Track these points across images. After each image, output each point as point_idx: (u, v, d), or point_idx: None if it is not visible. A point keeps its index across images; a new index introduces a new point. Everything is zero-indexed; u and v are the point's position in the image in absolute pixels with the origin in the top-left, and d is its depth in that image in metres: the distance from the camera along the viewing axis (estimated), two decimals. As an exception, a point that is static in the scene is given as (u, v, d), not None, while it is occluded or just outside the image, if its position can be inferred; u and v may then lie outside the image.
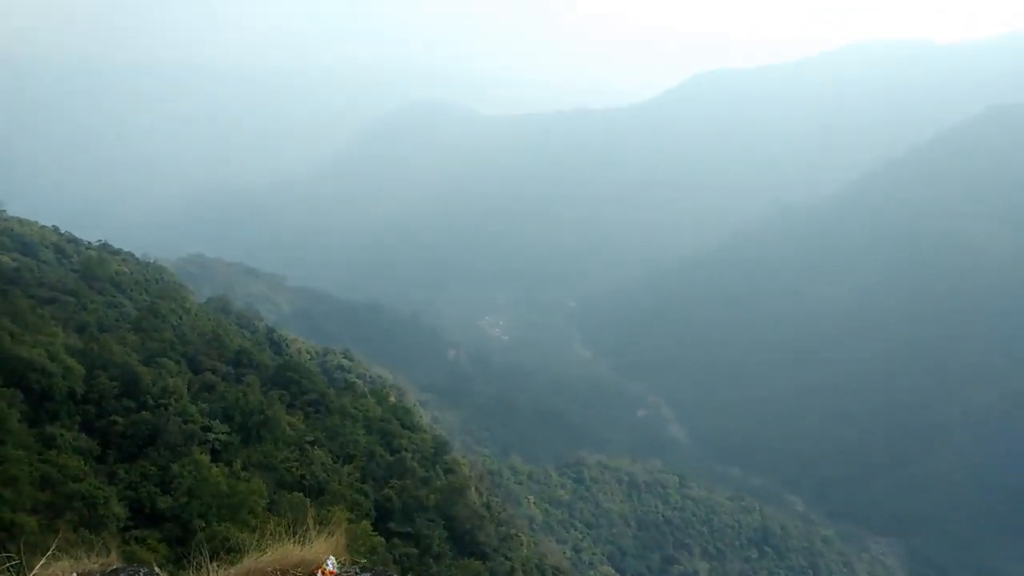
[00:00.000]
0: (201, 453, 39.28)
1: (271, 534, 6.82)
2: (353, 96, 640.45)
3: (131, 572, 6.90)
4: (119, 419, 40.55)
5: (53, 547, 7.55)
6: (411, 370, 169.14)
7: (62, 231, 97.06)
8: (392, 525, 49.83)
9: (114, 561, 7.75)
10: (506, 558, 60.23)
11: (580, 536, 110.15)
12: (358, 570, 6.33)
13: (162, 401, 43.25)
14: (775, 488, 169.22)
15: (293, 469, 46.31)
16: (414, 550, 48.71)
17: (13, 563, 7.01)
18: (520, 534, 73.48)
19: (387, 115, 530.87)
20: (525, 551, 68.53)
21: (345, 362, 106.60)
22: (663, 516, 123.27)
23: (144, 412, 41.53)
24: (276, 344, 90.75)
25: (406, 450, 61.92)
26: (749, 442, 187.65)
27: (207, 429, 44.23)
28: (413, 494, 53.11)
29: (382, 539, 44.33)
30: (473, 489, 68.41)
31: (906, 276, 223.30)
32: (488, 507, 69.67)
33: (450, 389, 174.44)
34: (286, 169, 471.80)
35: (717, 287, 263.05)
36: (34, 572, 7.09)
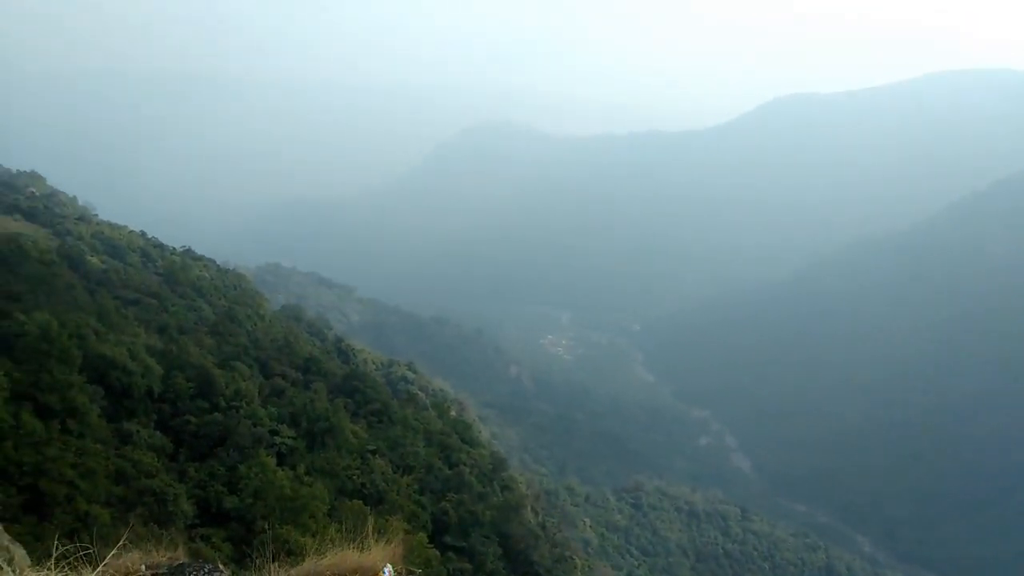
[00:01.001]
0: (268, 456, 40.35)
1: (331, 539, 6.99)
2: (428, 114, 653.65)
3: (197, 568, 7.14)
4: (192, 419, 42.11)
5: (124, 539, 7.91)
6: (473, 385, 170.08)
7: (148, 236, 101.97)
8: (447, 539, 50.01)
9: (181, 556, 8.07)
10: (560, 580, 59.61)
11: (636, 563, 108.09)
12: (412, 580, 6.35)
13: (234, 403, 44.71)
14: (842, 527, 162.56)
15: (354, 477, 47.08)
16: (468, 565, 48.74)
17: (86, 552, 7.34)
18: (575, 557, 72.65)
19: (460, 133, 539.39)
20: (579, 574, 67.67)
21: (409, 374, 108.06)
22: (723, 549, 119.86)
23: (216, 413, 43.02)
24: (344, 353, 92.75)
25: (464, 464, 62.16)
26: (816, 478, 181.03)
27: (275, 433, 45.45)
28: (469, 509, 53.21)
29: (437, 552, 44.52)
30: (529, 508, 68.09)
31: (990, 316, 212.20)
32: (543, 527, 69.18)
33: (510, 406, 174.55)
34: (362, 184, 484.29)
35: (789, 317, 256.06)
36: (105, 562, 7.40)
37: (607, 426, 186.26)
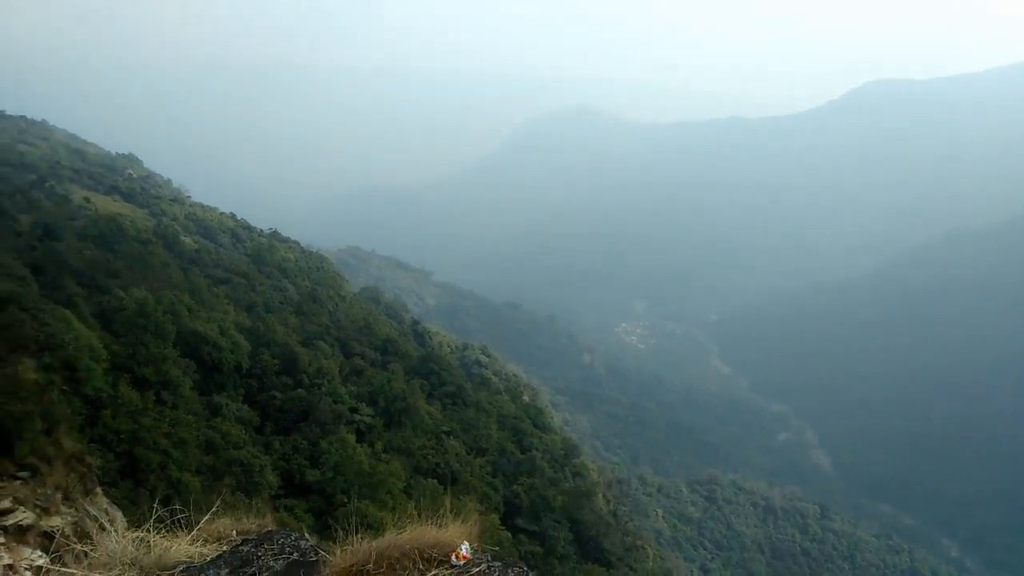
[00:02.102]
0: (348, 432, 41.71)
1: (407, 515, 7.15)
2: (507, 100, 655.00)
3: (284, 535, 7.41)
4: (278, 394, 43.89)
5: (217, 504, 8.33)
6: (545, 371, 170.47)
7: (238, 218, 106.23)
8: (519, 521, 50.55)
9: (269, 523, 8.46)
10: (631, 568, 59.43)
11: (709, 556, 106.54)
12: (490, 558, 6.53)
13: (316, 381, 46.35)
14: (927, 530, 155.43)
15: (429, 456, 48.12)
16: (539, 549, 49.16)
17: (180, 517, 7.70)
18: (646, 546, 72.18)
19: (538, 120, 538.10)
20: (651, 564, 67.24)
21: (483, 358, 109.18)
22: (800, 547, 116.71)
23: (300, 390, 44.70)
24: (420, 336, 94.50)
25: (536, 449, 62.60)
26: (900, 478, 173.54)
27: (354, 410, 46.89)
28: (541, 493, 53.61)
29: (508, 534, 45.08)
30: (601, 495, 68.05)
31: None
32: (615, 515, 69.02)
33: (583, 393, 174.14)
34: (441, 169, 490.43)
35: (874, 312, 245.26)
36: (199, 526, 7.74)
37: (681, 417, 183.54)
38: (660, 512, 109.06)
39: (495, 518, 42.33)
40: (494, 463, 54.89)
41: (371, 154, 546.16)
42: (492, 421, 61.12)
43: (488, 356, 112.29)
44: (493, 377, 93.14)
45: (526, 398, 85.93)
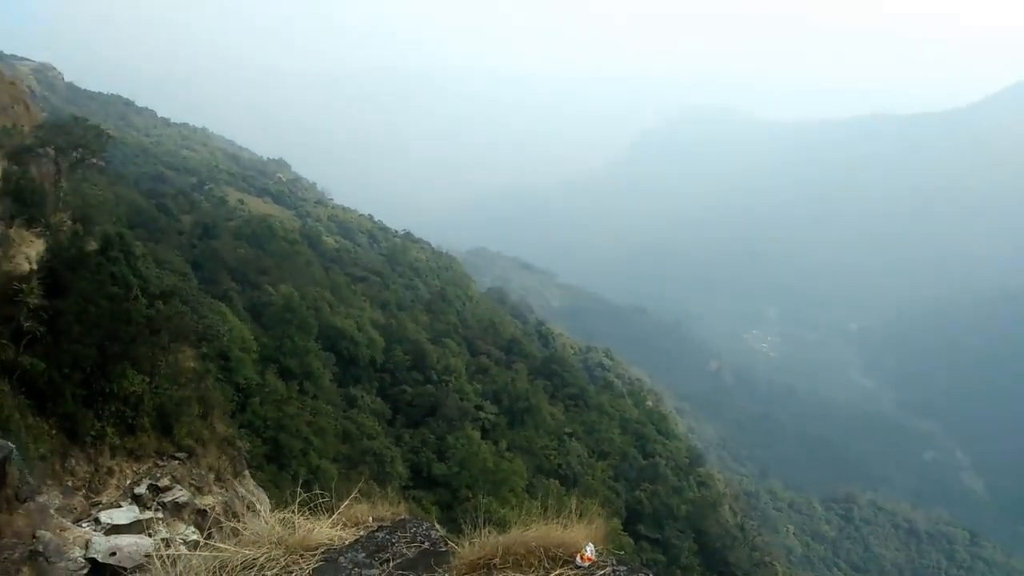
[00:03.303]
0: (473, 429, 42.83)
1: (529, 514, 7.28)
2: (638, 101, 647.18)
3: (416, 524, 7.73)
4: (408, 389, 45.72)
5: (356, 491, 8.86)
6: (670, 377, 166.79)
7: (375, 219, 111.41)
8: (641, 528, 49.92)
9: (403, 512, 8.90)
10: (757, 585, 57.28)
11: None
12: (615, 562, 6.53)
13: (444, 378, 47.89)
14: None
15: (551, 457, 48.48)
16: (662, 557, 48.35)
17: (320, 501, 8.17)
18: (775, 563, 69.21)
19: (667, 121, 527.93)
20: (779, 582, 64.48)
21: (606, 361, 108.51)
22: (946, 574, 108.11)
23: (429, 385, 46.37)
24: (544, 336, 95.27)
25: (660, 456, 61.53)
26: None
27: (479, 408, 48.04)
28: (664, 501, 52.67)
29: (630, 540, 44.65)
30: (727, 507, 65.94)
31: None
32: (742, 528, 66.65)
33: (709, 401, 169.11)
34: (569, 171, 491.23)
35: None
36: (339, 511, 8.16)
37: (816, 430, 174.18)
38: (791, 528, 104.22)
39: (617, 523, 42.02)
40: (616, 467, 54.49)
41: (501, 156, 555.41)
42: (615, 425, 60.68)
43: (611, 359, 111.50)
44: (616, 380, 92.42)
45: (650, 403, 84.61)
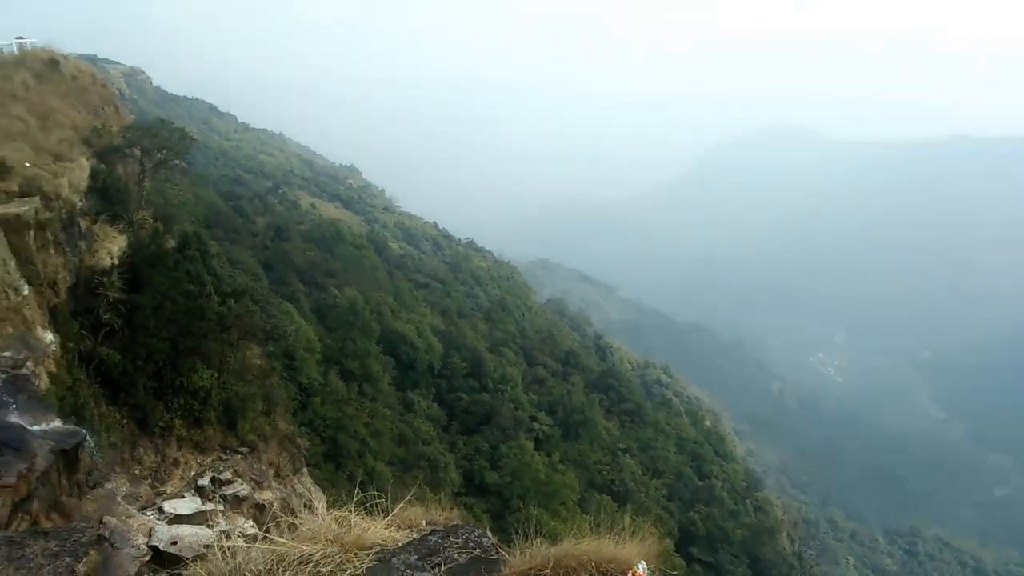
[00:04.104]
0: (527, 439, 42.82)
1: (580, 528, 7.24)
2: (703, 119, 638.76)
3: (468, 530, 7.78)
4: (464, 396, 46.03)
5: (411, 494, 8.97)
6: (730, 397, 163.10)
7: (439, 227, 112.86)
8: (694, 550, 48.93)
9: (455, 518, 8.97)
10: (813, 617, 55.38)
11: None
12: (666, 581, 6.50)
13: (500, 386, 48.06)
14: None
15: (604, 472, 48.03)
16: (713, 582, 47.32)
17: (375, 502, 8.29)
18: (832, 596, 66.85)
19: (734, 139, 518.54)
20: (836, 616, 62.20)
21: (664, 377, 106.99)
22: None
23: (485, 394, 46.60)
24: (601, 350, 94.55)
25: (716, 478, 60.23)
26: None
27: (534, 419, 48.01)
28: (719, 524, 51.50)
29: (682, 562, 43.81)
30: (785, 534, 64.03)
31: None
32: (799, 557, 64.59)
33: (770, 424, 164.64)
34: (633, 186, 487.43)
35: None
36: (394, 512, 8.26)
37: (880, 460, 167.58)
38: (851, 560, 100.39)
39: (669, 543, 41.27)
40: (670, 487, 53.61)
41: (568, 170, 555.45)
42: (670, 443, 59.74)
43: (670, 376, 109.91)
44: (674, 398, 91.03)
45: (707, 423, 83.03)
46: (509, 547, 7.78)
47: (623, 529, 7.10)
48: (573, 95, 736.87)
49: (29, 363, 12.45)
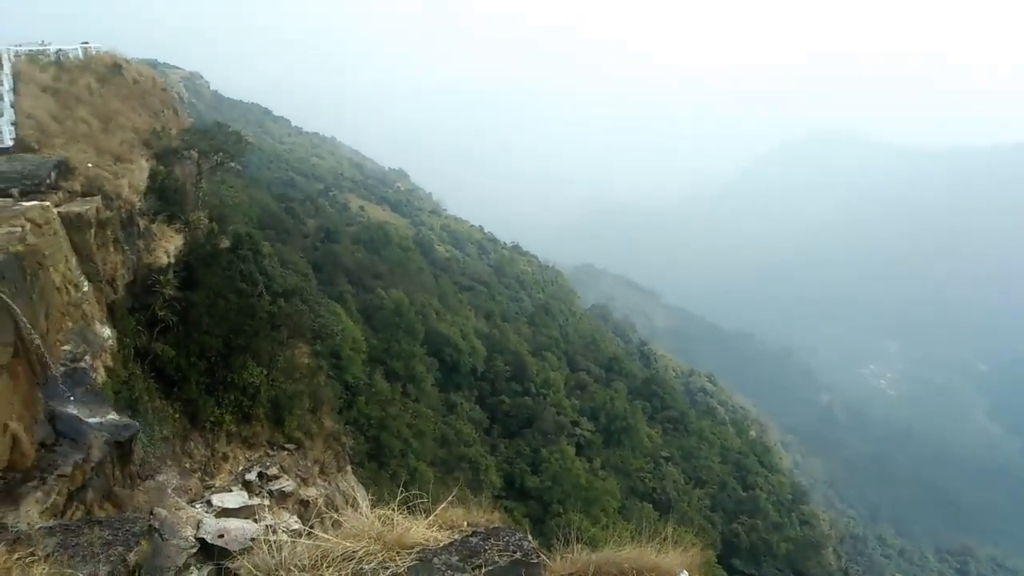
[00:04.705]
0: (568, 444, 42.67)
1: (620, 536, 7.19)
2: (756, 120, 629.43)
3: (509, 533, 7.79)
4: (506, 399, 46.10)
5: (452, 495, 9.04)
6: (775, 407, 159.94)
7: (485, 231, 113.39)
8: (736, 562, 48.09)
9: (496, 520, 9.00)
10: (860, 636, 53.91)
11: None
12: (707, 592, 6.33)
13: (542, 391, 48.01)
14: None
15: (646, 480, 47.58)
16: (756, 595, 46.43)
17: (417, 502, 8.35)
18: (881, 615, 65.00)
19: (785, 141, 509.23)
20: (884, 635, 60.45)
21: (709, 386, 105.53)
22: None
23: (527, 397, 46.60)
24: (645, 357, 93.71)
25: (761, 489, 59.14)
26: None
27: (576, 424, 47.82)
28: (763, 536, 50.54)
29: (724, 573, 43.12)
30: (831, 549, 62.53)
31: None
32: (846, 573, 62.98)
33: (818, 436, 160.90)
34: (681, 191, 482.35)
35: None
36: (436, 512, 8.31)
37: (932, 475, 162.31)
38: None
39: (711, 554, 40.67)
40: (713, 497, 52.82)
41: (614, 173, 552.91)
42: (714, 453, 58.90)
43: (715, 385, 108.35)
44: (719, 407, 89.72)
45: (753, 433, 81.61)
46: (549, 552, 7.79)
47: (665, 538, 7.04)
48: (621, 97, 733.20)
49: (87, 357, 12.87)
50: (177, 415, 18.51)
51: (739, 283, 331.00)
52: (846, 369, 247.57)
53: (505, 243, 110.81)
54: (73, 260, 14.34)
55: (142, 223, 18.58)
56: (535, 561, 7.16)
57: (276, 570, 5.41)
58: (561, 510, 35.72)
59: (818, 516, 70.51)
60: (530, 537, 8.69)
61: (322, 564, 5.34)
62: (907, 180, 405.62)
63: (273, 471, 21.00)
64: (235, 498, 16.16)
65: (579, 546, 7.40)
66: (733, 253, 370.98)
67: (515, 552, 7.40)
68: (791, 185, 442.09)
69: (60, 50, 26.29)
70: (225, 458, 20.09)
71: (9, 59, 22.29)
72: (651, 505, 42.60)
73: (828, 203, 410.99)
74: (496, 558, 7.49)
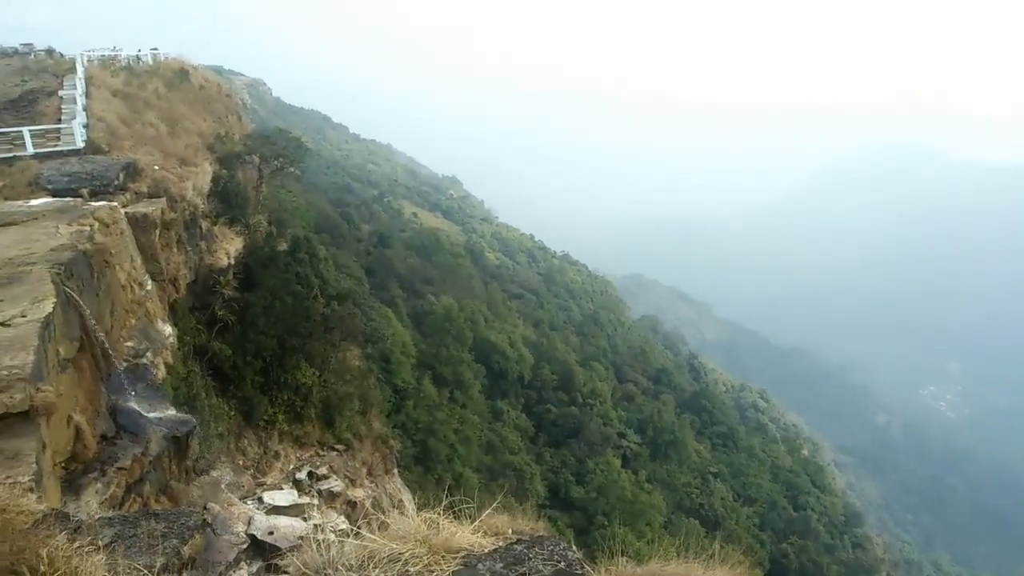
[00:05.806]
0: (614, 456, 42.28)
1: (665, 551, 7.10)
2: (813, 133, 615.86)
3: (554, 542, 7.76)
4: (552, 408, 45.95)
5: (497, 502, 9.07)
6: (829, 426, 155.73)
7: (535, 239, 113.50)
8: (784, 584, 46.95)
9: (541, 529, 8.99)
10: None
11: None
12: (755, 612, 6.23)
13: (589, 401, 47.72)
14: None
15: (693, 495, 46.81)
16: (805, 618, 45.20)
17: (463, 507, 8.38)
18: (937, 646, 62.59)
19: (848, 155, 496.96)
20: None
21: (760, 402, 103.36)
22: None
23: (573, 407, 46.37)
24: (695, 370, 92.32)
25: (812, 510, 57.60)
26: None
27: (622, 435, 47.37)
28: (813, 558, 49.18)
29: (772, 595, 42.13)
30: (885, 574, 60.47)
31: None
32: (900, 602, 60.85)
33: (872, 456, 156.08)
34: (739, 203, 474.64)
35: None
36: (481, 518, 8.32)
37: (993, 502, 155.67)
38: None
39: (759, 574, 39.76)
40: (762, 515, 51.65)
41: (667, 184, 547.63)
42: (765, 471, 57.60)
43: (766, 401, 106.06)
44: (770, 424, 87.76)
45: (805, 452, 79.57)
46: (594, 564, 7.73)
47: (712, 555, 6.94)
48: (682, 107, 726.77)
49: (149, 354, 13.32)
50: (232, 413, 19.00)
51: (794, 298, 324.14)
52: (904, 389, 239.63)
53: (555, 252, 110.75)
54: (138, 259, 14.89)
55: (204, 225, 19.18)
56: (579, 572, 7.13)
57: (324, 569, 5.51)
58: (605, 522, 35.39)
59: (872, 540, 68.27)
60: (575, 547, 8.66)
61: (369, 564, 5.42)
62: (972, 196, 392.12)
63: (323, 471, 21.38)
64: (285, 496, 16.52)
65: (623, 559, 7.35)
66: (788, 269, 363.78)
67: (559, 562, 7.39)
68: (852, 200, 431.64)
69: (133, 55, 27.39)
70: (277, 456, 20.54)
71: (83, 64, 23.33)
72: (698, 521, 41.91)
73: (891, 218, 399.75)
74: (540, 567, 7.49)
